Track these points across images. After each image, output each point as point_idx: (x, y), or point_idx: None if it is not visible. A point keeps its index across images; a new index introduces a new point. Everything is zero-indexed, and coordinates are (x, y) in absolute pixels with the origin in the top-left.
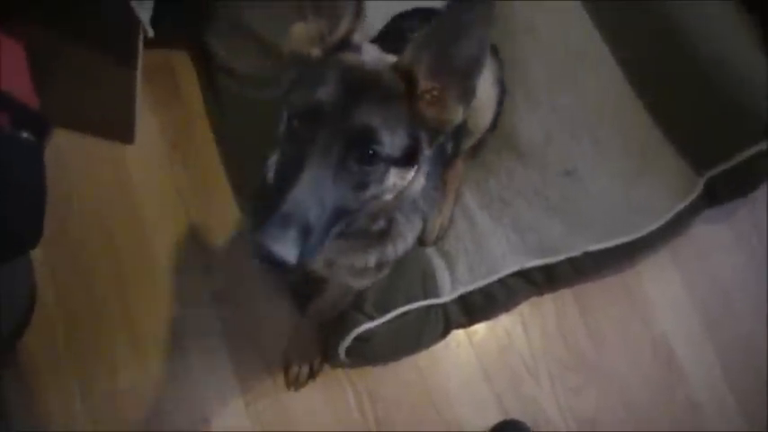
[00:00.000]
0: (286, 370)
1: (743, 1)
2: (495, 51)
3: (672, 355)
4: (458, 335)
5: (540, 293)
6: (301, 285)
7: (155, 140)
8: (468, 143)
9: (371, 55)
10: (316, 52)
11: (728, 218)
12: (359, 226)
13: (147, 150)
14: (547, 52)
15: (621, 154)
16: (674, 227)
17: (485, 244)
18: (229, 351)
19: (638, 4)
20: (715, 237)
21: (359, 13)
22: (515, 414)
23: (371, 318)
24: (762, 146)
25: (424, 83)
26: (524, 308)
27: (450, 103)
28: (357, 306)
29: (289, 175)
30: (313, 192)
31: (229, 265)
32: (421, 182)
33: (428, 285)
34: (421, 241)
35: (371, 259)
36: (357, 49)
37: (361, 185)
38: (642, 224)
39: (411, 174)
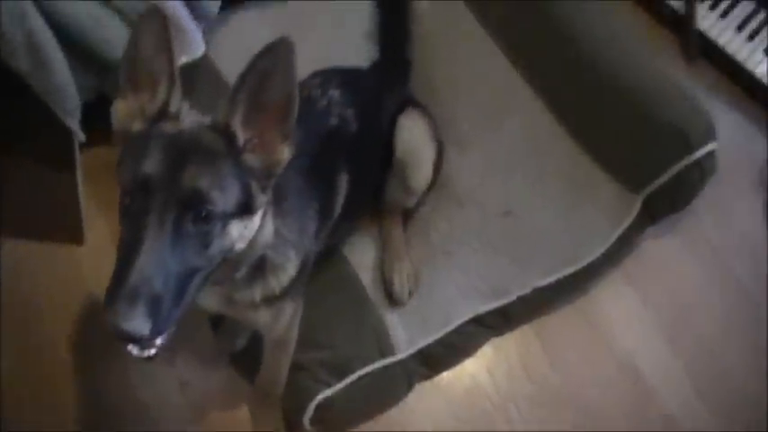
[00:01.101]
0: None
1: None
2: (425, 111)
3: (639, 373)
4: (424, 384)
5: (500, 334)
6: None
7: (103, 238)
8: (410, 202)
9: (190, 120)
10: (137, 126)
11: (674, 230)
12: (224, 276)
13: (98, 249)
14: (470, 100)
15: (555, 186)
16: (620, 249)
17: (435, 295)
18: None
19: (552, 36)
20: (664, 251)
21: (172, 84)
22: None
23: (328, 384)
24: (689, 159)
25: (242, 134)
26: (487, 349)
27: (273, 146)
28: (312, 375)
29: (130, 251)
30: (155, 262)
31: (193, 354)
32: (269, 226)
33: (383, 344)
34: (394, 300)
35: (256, 294)
36: (175, 117)
37: (204, 244)
38: (587, 252)
39: (255, 220)
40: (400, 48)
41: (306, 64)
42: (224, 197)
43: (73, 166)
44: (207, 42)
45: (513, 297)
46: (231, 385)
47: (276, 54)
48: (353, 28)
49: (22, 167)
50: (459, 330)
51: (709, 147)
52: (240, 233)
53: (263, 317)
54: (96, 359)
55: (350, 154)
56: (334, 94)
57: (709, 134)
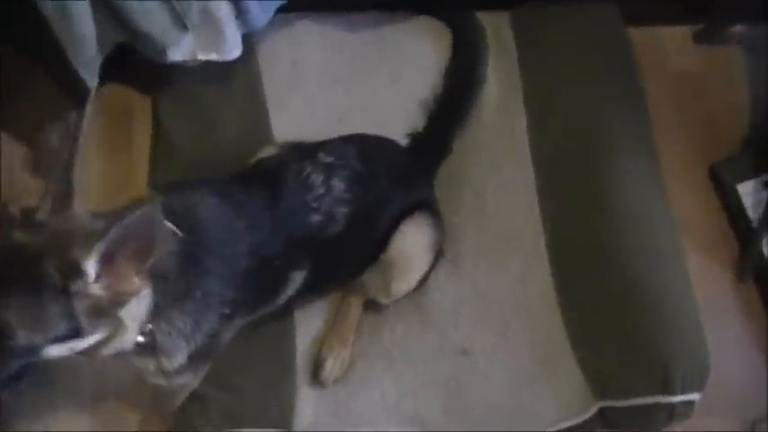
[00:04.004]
0: None
1: None
2: (437, 220)
3: None
4: None
5: None
6: None
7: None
8: (383, 300)
9: (54, 234)
10: (13, 212)
11: None
12: None
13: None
14: (483, 222)
15: (524, 351)
16: None
17: (358, 395)
18: (92, 414)
19: (592, 202)
20: None
21: (47, 195)
22: None
23: (217, 428)
24: (663, 398)
25: (94, 272)
26: None
27: (126, 280)
28: (205, 412)
29: None
30: None
31: None
32: (126, 338)
33: (284, 415)
34: (318, 379)
35: (149, 365)
36: (37, 228)
37: (3, 362)
38: (524, 428)
39: (88, 340)
40: (446, 131)
41: (340, 100)
42: (33, 334)
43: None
44: (254, 44)
45: None
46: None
47: (145, 217)
48: (409, 84)
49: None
50: None
51: (690, 396)
52: (62, 351)
53: (158, 380)
54: None
55: (319, 251)
56: (338, 186)
57: (696, 383)
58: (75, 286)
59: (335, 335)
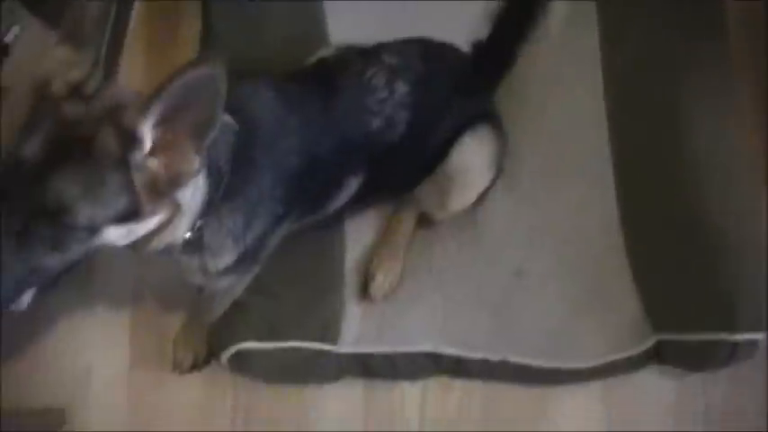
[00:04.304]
0: (174, 352)
1: None
2: (499, 134)
3: None
4: (355, 380)
5: (449, 376)
6: None
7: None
8: (438, 216)
9: (100, 108)
10: (57, 88)
11: (681, 380)
12: None
13: None
14: (546, 145)
15: (581, 278)
16: (609, 371)
17: (405, 313)
18: (132, 313)
19: (669, 137)
20: (659, 391)
21: (97, 63)
22: None
23: (258, 338)
24: (726, 336)
25: (152, 140)
26: (430, 382)
27: (183, 155)
28: (248, 320)
29: None
30: None
31: None
32: (181, 226)
33: (330, 329)
34: (367, 294)
35: (192, 264)
36: (85, 99)
37: (61, 249)
38: (573, 357)
39: (146, 224)
40: (511, 43)
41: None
42: (94, 210)
43: None
44: None
45: (478, 355)
46: (183, 284)
47: (207, 72)
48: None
49: None
50: (409, 355)
51: (755, 336)
52: (121, 235)
53: (198, 280)
54: None
55: (377, 158)
56: (400, 90)
57: (762, 323)
58: (133, 156)
59: (387, 249)
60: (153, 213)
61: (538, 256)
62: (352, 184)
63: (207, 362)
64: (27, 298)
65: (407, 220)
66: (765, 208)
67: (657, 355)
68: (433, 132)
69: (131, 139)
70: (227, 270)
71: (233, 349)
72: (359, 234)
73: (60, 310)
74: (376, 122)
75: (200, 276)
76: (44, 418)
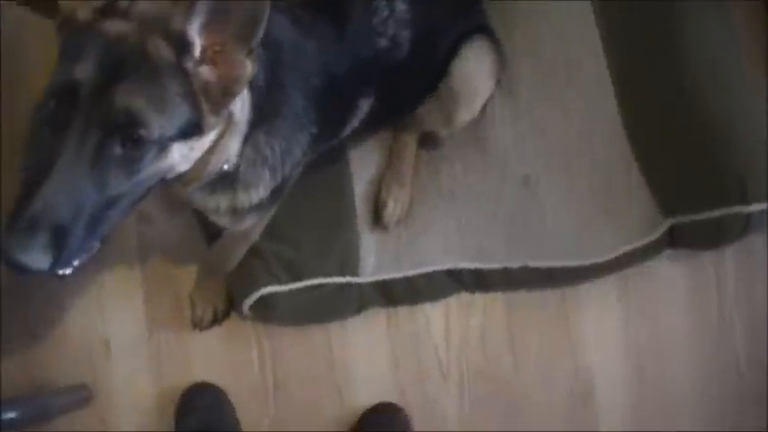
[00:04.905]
0: (192, 309)
1: None
2: (496, 45)
3: (591, 393)
4: (376, 311)
5: (471, 292)
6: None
7: None
8: (443, 132)
9: (141, 20)
10: (83, 15)
11: (692, 263)
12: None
13: None
14: (542, 55)
15: (589, 175)
16: (626, 262)
17: (420, 235)
18: (143, 276)
19: (657, 31)
20: (672, 279)
21: None
22: (414, 408)
23: (280, 281)
24: (739, 209)
25: (201, 44)
26: (452, 300)
27: (235, 59)
28: (266, 265)
29: (39, 172)
30: (65, 188)
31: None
32: (232, 146)
33: (348, 262)
34: (379, 222)
35: (221, 203)
36: (123, 14)
37: (132, 170)
38: (592, 253)
39: (205, 141)
40: None
41: None
42: (163, 120)
43: None
44: None
45: (498, 265)
46: (188, 238)
47: None
48: None
49: None
50: (430, 276)
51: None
52: (184, 156)
53: (223, 221)
54: None
55: (385, 79)
56: (400, 7)
57: None
58: (186, 61)
59: (393, 176)
60: (212, 127)
61: (543, 163)
62: (364, 107)
63: (226, 315)
64: (82, 255)
65: (410, 144)
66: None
67: (671, 241)
68: (435, 49)
69: (182, 44)
70: (257, 207)
71: (255, 296)
72: (363, 165)
73: (67, 287)
74: (383, 42)
75: (227, 218)
76: (71, 396)
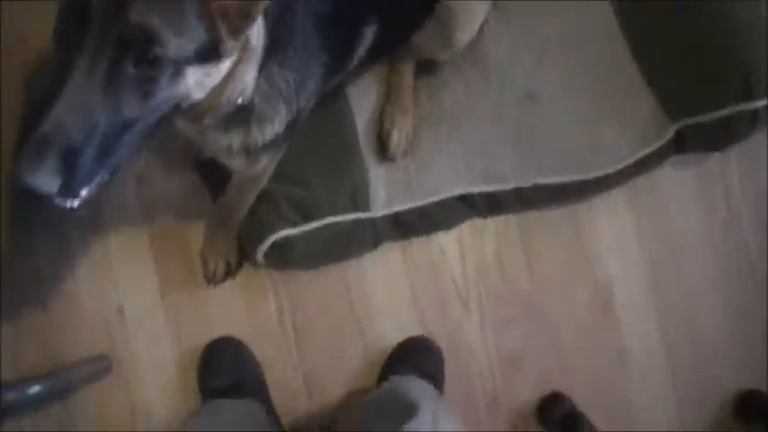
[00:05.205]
0: (203, 265)
1: None
2: None
3: (611, 302)
4: (390, 246)
5: (483, 217)
6: (209, 168)
7: None
8: (443, 55)
9: None
10: None
11: (698, 167)
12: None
13: None
14: None
15: (592, 86)
16: (635, 171)
17: (428, 163)
18: (150, 239)
19: None
20: (679, 184)
21: None
22: (438, 338)
23: (293, 224)
24: (745, 106)
25: None
26: (465, 227)
27: None
28: (277, 209)
29: (51, 91)
30: (77, 108)
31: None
32: (248, 75)
33: (359, 198)
34: (386, 154)
35: (235, 141)
36: None
37: (146, 93)
38: (601, 164)
39: (222, 67)
40: None
41: None
42: (180, 40)
43: None
44: None
45: (509, 186)
46: (191, 195)
47: None
48: None
49: None
50: (442, 203)
51: None
52: (199, 82)
53: (236, 163)
54: None
55: (386, 2)
56: None
57: None
58: None
59: (394, 106)
60: (229, 53)
61: (545, 77)
62: (368, 35)
63: (239, 266)
64: (92, 184)
65: (407, 72)
66: None
67: (678, 145)
68: None
69: None
70: (271, 144)
71: (269, 242)
72: (362, 100)
73: (74, 256)
74: None
75: (240, 158)
76: (91, 367)
